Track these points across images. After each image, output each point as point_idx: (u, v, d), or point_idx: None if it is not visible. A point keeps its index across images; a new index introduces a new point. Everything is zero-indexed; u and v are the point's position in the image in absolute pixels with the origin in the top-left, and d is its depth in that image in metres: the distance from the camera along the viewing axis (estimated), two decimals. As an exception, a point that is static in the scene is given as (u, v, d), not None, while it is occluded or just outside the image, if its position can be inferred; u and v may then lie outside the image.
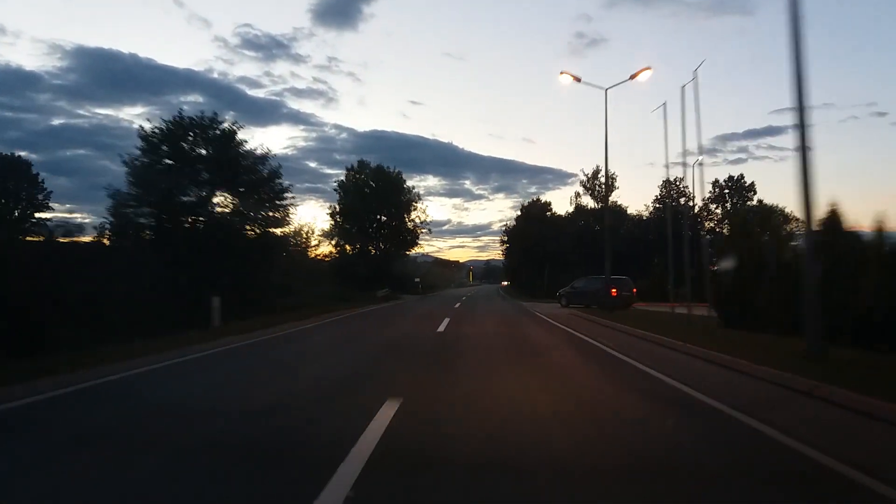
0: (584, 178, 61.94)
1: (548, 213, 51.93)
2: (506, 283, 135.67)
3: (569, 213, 63.26)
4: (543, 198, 75.35)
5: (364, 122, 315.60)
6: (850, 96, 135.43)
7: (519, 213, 52.60)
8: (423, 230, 46.81)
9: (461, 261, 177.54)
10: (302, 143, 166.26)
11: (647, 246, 69.18)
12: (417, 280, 43.49)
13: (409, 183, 49.33)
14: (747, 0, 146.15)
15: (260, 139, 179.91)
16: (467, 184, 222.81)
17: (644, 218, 77.85)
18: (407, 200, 47.16)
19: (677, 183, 74.46)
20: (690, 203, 75.41)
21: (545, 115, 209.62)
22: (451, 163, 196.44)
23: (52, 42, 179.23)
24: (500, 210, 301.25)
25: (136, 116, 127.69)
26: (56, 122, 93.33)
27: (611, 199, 67.02)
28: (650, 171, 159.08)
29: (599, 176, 64.63)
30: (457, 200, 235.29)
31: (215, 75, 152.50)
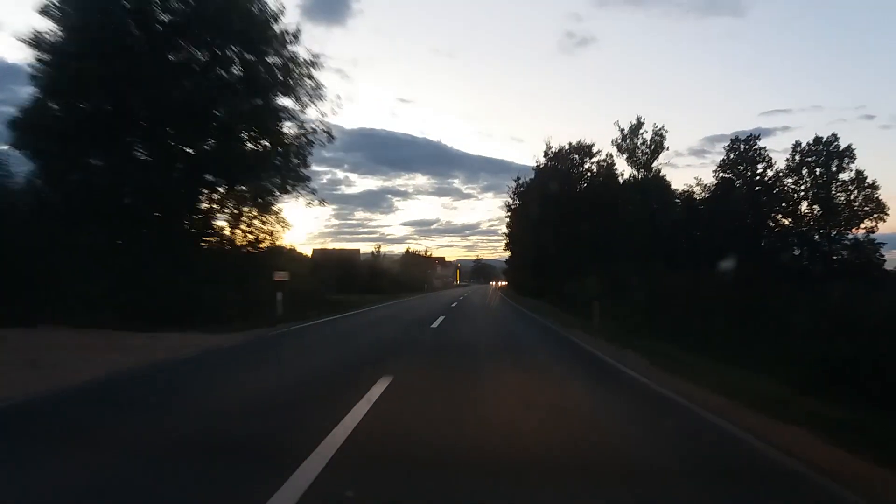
0: (619, 136, 39.33)
1: (591, 166, 29.36)
2: (500, 282, 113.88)
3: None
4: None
5: (352, 119, 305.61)
6: (839, 98, 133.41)
7: (537, 166, 30.07)
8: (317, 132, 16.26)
9: (447, 258, 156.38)
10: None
11: (701, 238, 47.50)
12: (282, 277, 15.18)
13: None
14: (738, 1, 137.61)
15: None
16: (456, 182, 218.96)
17: (695, 195, 55.96)
18: (263, 33, 13.84)
19: (753, 143, 53.11)
20: (770, 171, 54.23)
21: (534, 114, 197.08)
22: (441, 161, 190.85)
23: (32, 34, 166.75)
24: (488, 209, 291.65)
25: None
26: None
27: (654, 165, 44.65)
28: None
29: (642, 132, 42.13)
30: (446, 199, 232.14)
31: None
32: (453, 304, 25.90)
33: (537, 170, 29.12)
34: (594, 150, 29.17)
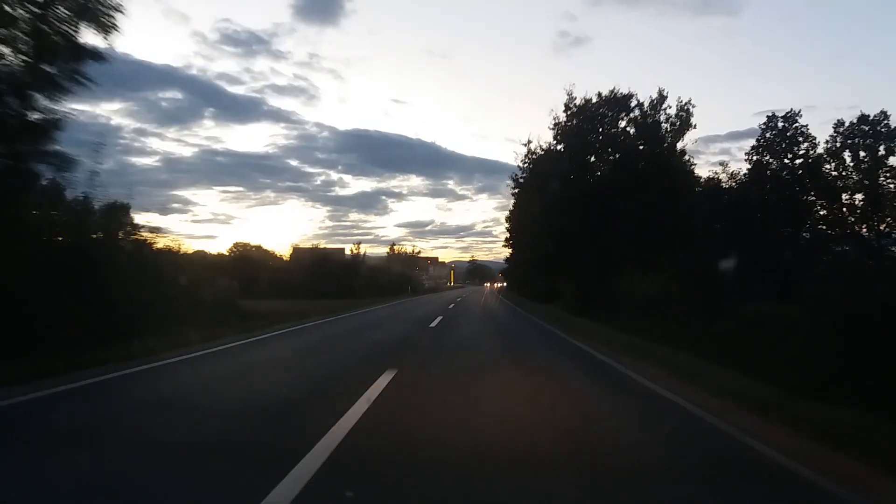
0: (639, 113, 30.81)
1: (628, 126, 21.53)
2: (497, 284, 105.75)
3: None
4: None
5: (346, 120, 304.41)
6: (833, 98, 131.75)
7: (555, 125, 21.18)
8: None
9: (440, 258, 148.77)
10: (283, 142, 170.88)
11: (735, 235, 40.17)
12: None
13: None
14: (733, 1, 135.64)
15: (241, 137, 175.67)
16: (451, 184, 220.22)
17: (721, 182, 49.35)
18: None
19: (793, 121, 45.77)
20: (812, 153, 47.09)
21: (529, 115, 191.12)
22: (435, 163, 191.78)
23: None
24: (483, 211, 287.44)
25: (113, 112, 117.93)
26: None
27: (679, 146, 36.86)
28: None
29: (665, 108, 34.34)
30: (440, 201, 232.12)
31: (194, 71, 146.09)
32: (434, 323, 16.39)
33: (557, 130, 21.11)
34: (632, 103, 21.34)
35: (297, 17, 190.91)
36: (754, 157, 45.77)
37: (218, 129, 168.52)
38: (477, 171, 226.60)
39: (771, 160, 45.19)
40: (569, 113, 20.64)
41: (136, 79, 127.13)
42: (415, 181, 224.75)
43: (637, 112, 21.25)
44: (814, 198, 44.89)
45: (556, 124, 20.76)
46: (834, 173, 46.05)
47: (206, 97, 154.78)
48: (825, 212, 46.67)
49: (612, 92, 20.62)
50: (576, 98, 20.78)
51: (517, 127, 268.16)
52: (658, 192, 18.72)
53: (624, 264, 17.04)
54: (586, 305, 17.38)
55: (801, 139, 44.71)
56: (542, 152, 21.06)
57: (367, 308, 24.11)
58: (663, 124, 33.15)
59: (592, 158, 20.91)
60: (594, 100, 20.80)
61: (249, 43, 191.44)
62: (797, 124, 44.84)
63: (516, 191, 24.37)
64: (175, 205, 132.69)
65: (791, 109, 45.65)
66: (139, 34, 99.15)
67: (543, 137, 35.12)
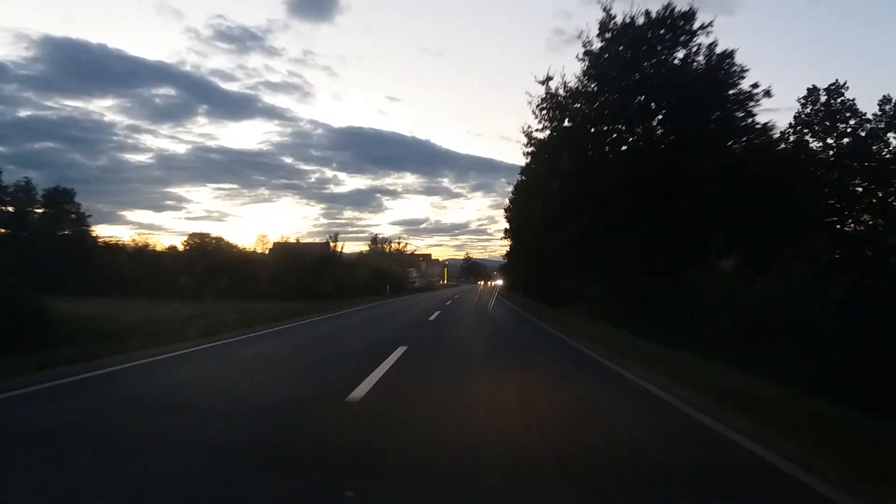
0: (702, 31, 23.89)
1: (689, 56, 14.81)
2: (493, 282, 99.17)
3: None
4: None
5: (340, 117, 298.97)
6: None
7: (585, 53, 14.90)
8: None
9: (433, 255, 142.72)
10: (277, 139, 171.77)
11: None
12: None
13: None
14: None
15: (234, 134, 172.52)
16: (445, 182, 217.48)
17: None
18: None
19: (839, 94, 39.55)
20: (862, 131, 40.95)
21: (523, 113, 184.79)
22: (429, 160, 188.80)
23: (17, 31, 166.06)
24: (478, 209, 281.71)
25: (106, 109, 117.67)
26: (23, 113, 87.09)
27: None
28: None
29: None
30: (435, 199, 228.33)
31: (188, 68, 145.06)
32: (357, 393, 5.88)
33: (588, 61, 14.48)
34: (694, 25, 14.74)
35: (292, 14, 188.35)
36: (791, 137, 39.71)
37: (212, 126, 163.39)
38: (471, 168, 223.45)
39: (811, 139, 39.16)
40: (607, 37, 14.29)
41: (130, 75, 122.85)
42: (409, 179, 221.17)
43: (702, 38, 14.75)
44: (864, 183, 38.69)
45: (586, 52, 14.40)
46: (879, 156, 40.05)
47: (199, 94, 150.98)
48: (870, 199, 40.72)
49: (666, 7, 14.22)
50: (615, 16, 14.42)
51: (511, 125, 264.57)
52: (742, 150, 12.41)
53: (700, 252, 10.81)
54: (647, 317, 11.04)
55: (848, 115, 38.65)
56: (568, 94, 14.62)
57: (302, 319, 16.51)
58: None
59: (643, 98, 14.55)
60: (642, 20, 14.40)
61: (243, 39, 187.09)
62: (843, 98, 38.79)
63: (530, 150, 17.80)
64: (169, 202, 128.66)
65: (836, 81, 39.33)
66: (133, 30, 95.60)
67: (569, 70, 27.78)
